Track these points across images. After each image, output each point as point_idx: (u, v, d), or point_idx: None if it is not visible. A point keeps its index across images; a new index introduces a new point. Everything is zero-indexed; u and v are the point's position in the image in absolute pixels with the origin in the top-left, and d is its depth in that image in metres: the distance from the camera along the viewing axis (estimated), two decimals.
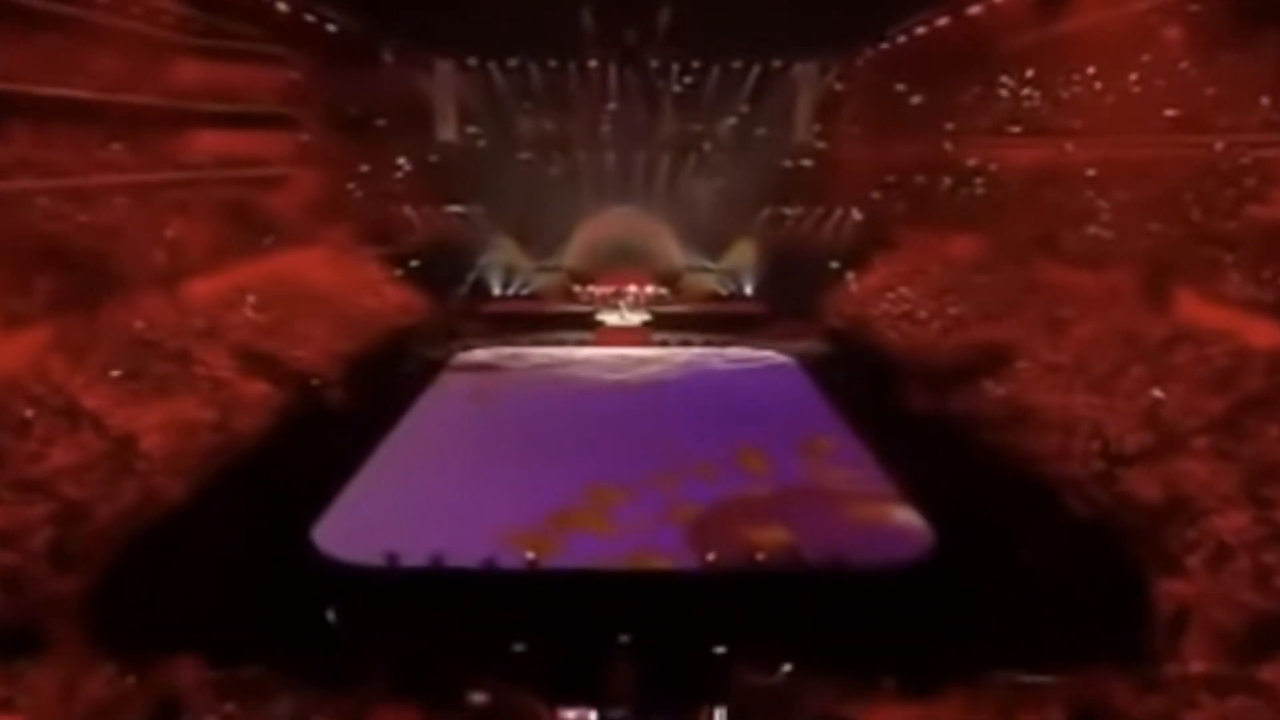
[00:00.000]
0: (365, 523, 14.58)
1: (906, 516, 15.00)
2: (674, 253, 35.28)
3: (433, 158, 33.97)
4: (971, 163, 27.49)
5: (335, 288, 25.22)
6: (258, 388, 18.03)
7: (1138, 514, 12.64)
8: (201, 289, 20.23)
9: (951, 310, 22.23)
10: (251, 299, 21.52)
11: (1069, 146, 22.52)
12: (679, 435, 19.04)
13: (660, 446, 18.29)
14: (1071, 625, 10.25)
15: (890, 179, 31.23)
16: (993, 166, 26.73)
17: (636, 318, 32.48)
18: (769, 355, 27.79)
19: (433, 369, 25.62)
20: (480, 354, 28.00)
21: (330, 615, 11.62)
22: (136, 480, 13.82)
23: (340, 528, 14.48)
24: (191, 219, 21.92)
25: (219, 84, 24.11)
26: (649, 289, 34.36)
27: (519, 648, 10.40)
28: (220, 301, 20.69)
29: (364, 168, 31.48)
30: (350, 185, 30.99)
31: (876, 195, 31.87)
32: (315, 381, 19.83)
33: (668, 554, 13.62)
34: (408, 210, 33.18)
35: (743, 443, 18.47)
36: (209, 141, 24.17)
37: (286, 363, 19.58)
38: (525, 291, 34.74)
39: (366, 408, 20.29)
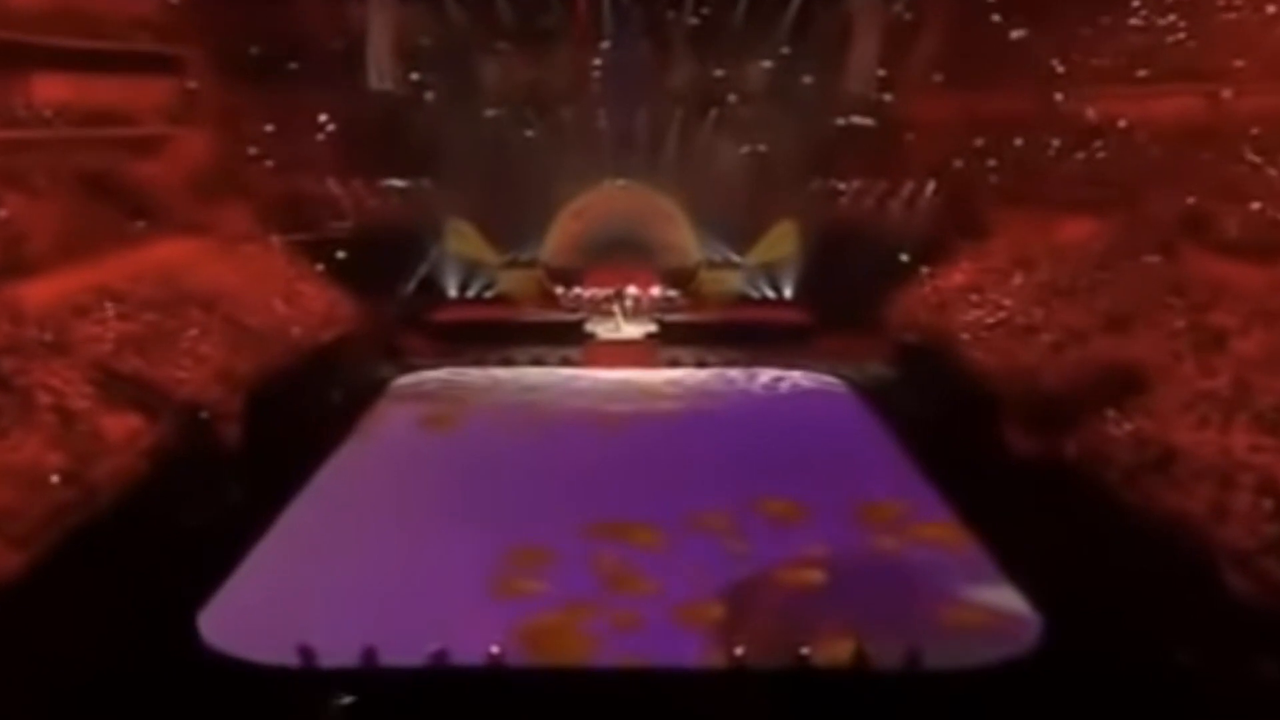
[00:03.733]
0: (270, 606, 14.66)
1: (1005, 599, 15.01)
2: (687, 242, 35.57)
3: (365, 114, 34.33)
4: (1091, 118, 27.75)
5: (232, 288, 25.41)
6: (124, 422, 18.11)
7: None
8: (45, 290, 20.37)
9: (1064, 319, 22.36)
10: (115, 303, 21.66)
11: (1225, 95, 22.71)
12: (694, 490, 19.10)
13: (668, 505, 18.34)
14: None
15: (979, 142, 31.51)
16: (1120, 123, 26.98)
17: (637, 329, 32.68)
18: (815, 380, 27.94)
19: (364, 398, 25.80)
20: (429, 378, 28.19)
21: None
22: None
23: (236, 613, 14.55)
24: (31, 195, 22.09)
25: (70, 10, 24.27)
26: (654, 290, 34.58)
27: None
28: (71, 307, 20.83)
29: (270, 127, 31.83)
30: (252, 151, 31.31)
31: (960, 164, 32.14)
32: (203, 415, 19.94)
33: (680, 649, 13.62)
34: (331, 185, 33.51)
35: (780, 501, 18.56)
36: (55, 89, 24.33)
37: (164, 389, 19.69)
38: (490, 294, 34.98)
39: (274, 451, 20.42)
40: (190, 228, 26.13)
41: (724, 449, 21.80)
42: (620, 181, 35.79)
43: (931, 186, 33.16)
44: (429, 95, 35.43)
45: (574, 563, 16.01)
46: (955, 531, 17.31)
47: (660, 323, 32.65)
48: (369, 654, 12.98)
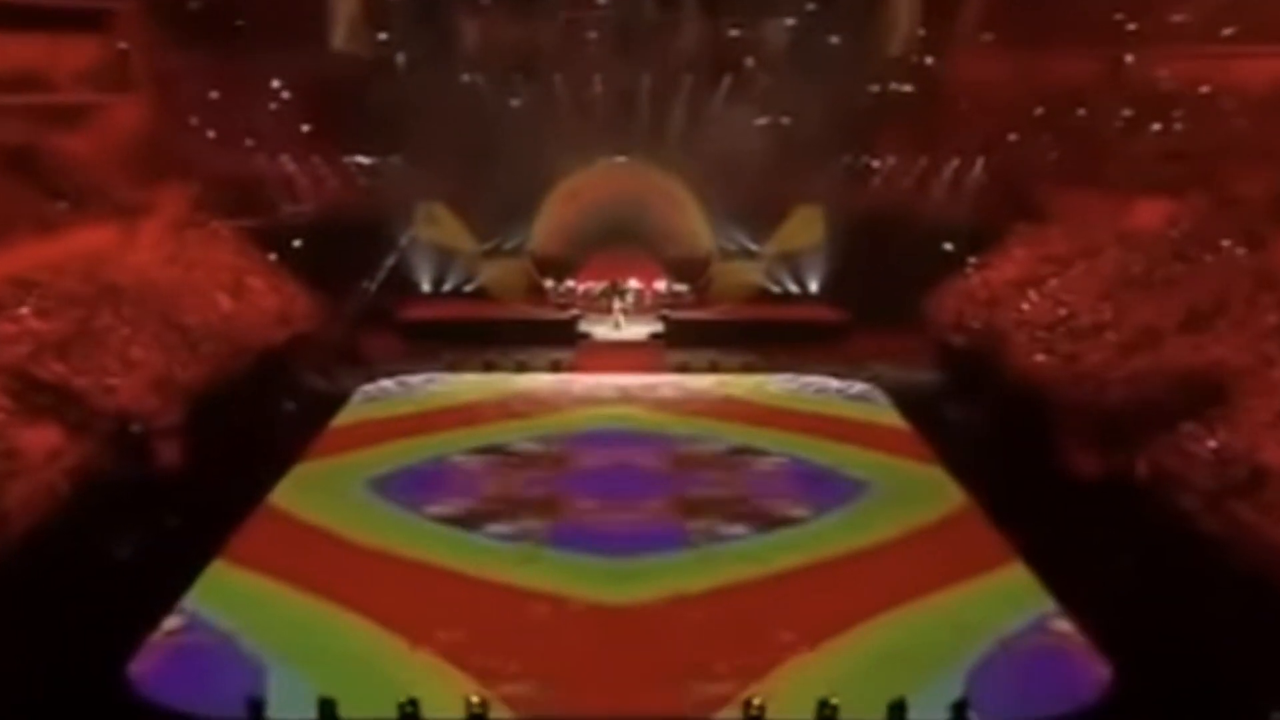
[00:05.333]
0: (214, 652, 14.62)
1: (1066, 643, 14.97)
2: (697, 229, 35.62)
3: (325, 80, 34.32)
4: (1167, 84, 27.70)
5: (169, 282, 25.42)
6: (42, 437, 18.03)
7: None
8: None
9: (1134, 317, 22.32)
10: (32, 299, 21.57)
11: None
12: (701, 511, 19.29)
13: (670, 527, 18.50)
14: None
15: (1037, 111, 31.49)
16: (1203, 89, 26.93)
17: (640, 328, 32.66)
18: (846, 387, 27.95)
19: (323, 410, 25.79)
20: (398, 386, 28.21)
21: None
22: None
23: (173, 660, 14.49)
24: None
25: None
26: (659, 284, 34.60)
27: None
28: None
29: (214, 94, 31.84)
30: (193, 122, 31.31)
31: (1013, 137, 32.12)
32: (135, 429, 19.91)
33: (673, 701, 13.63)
34: (286, 162, 33.51)
35: (797, 523, 18.73)
36: None
37: (89, 399, 19.66)
38: (469, 288, 35.01)
39: (218, 471, 20.39)
40: (121, 211, 26.16)
41: (737, 470, 21.87)
42: (620, 158, 35.83)
43: (980, 164, 33.16)
44: (399, 58, 35.50)
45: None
46: (1008, 564, 17.21)
47: (667, 321, 32.63)
48: (326, 707, 12.90)
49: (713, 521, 19.02)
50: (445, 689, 13.40)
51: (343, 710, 12.75)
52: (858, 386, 27.94)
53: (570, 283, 34.75)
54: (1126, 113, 28.38)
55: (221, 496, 19.49)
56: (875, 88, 35.30)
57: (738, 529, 18.73)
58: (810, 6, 35.64)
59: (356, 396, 27.21)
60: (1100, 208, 26.96)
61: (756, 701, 12.63)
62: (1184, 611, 14.66)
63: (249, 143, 32.61)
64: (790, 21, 36.16)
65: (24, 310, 21.22)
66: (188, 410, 21.29)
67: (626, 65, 35.81)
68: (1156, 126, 27.61)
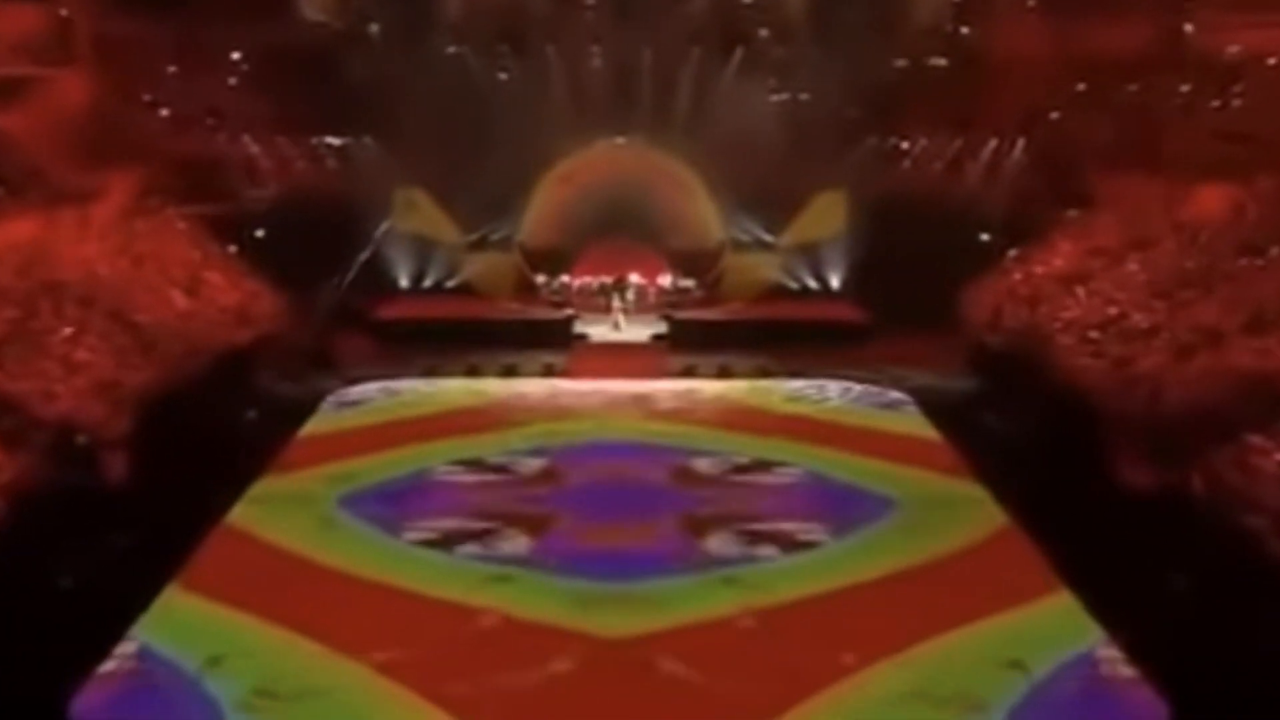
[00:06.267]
0: (166, 690, 14.53)
1: (1119, 679, 14.90)
2: (706, 217, 35.64)
3: (292, 52, 34.33)
4: (1230, 55, 27.68)
5: (117, 277, 25.43)
6: None
7: None
8: None
9: (1193, 316, 22.25)
10: None
11: None
12: (708, 531, 19.28)
13: (674, 550, 18.58)
14: None
15: (1083, 86, 31.47)
16: (1270, 60, 26.86)
17: (642, 329, 32.67)
18: (871, 394, 28.05)
19: (289, 418, 25.83)
20: (373, 392, 28.27)
21: None
22: None
23: (119, 698, 14.40)
24: None
25: None
26: (663, 280, 34.61)
27: None
28: None
29: (169, 67, 31.85)
30: (145, 98, 31.33)
31: (1058, 115, 32.10)
32: (80, 440, 19.89)
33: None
34: (248, 143, 33.52)
35: (815, 546, 18.77)
36: None
37: (28, 406, 19.60)
38: (451, 284, 35.03)
39: (171, 487, 20.38)
40: (62, 197, 26.16)
41: (753, 487, 21.92)
42: (619, 139, 35.82)
43: (1021, 145, 33.15)
44: (374, 27, 35.49)
45: None
46: (1054, 594, 17.18)
47: (671, 321, 32.63)
48: None
49: (721, 543, 18.96)
50: None
51: None
52: (884, 393, 27.99)
53: (564, 278, 34.79)
54: (1185, 87, 28.36)
55: (176, 515, 19.41)
56: (904, 60, 35.26)
57: (749, 552, 18.65)
58: None
59: (326, 404, 27.26)
60: (1155, 194, 26.96)
61: None
62: (1249, 645, 14.60)
63: (207, 121, 32.66)
64: None
65: None
66: (138, 419, 21.30)
67: (627, 35, 35.84)
68: (1217, 103, 27.59)
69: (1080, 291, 25.66)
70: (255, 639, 15.74)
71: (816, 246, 35.18)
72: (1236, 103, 27.51)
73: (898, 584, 17.48)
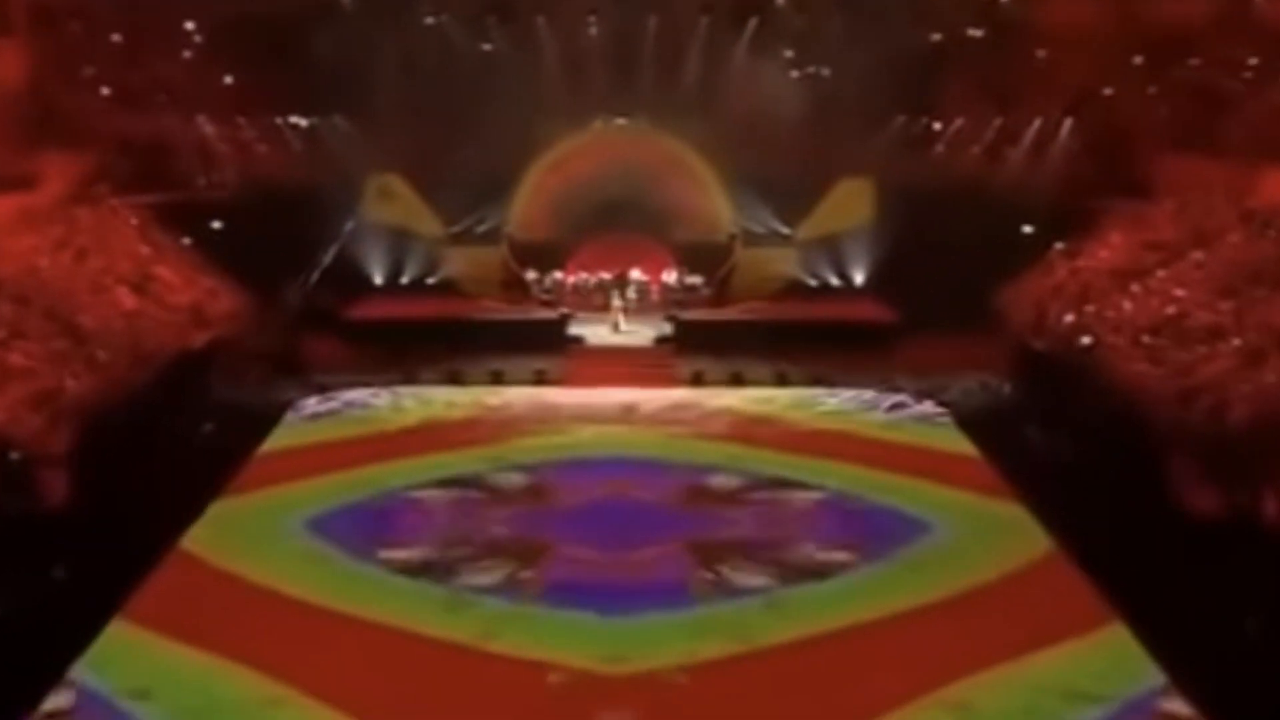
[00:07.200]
0: None
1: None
2: (716, 207, 35.62)
3: (253, 22, 34.35)
4: None
5: (56, 274, 25.37)
6: None
7: None
8: None
9: (1263, 317, 22.13)
10: None
11: None
12: (720, 558, 19.21)
13: (681, 579, 18.52)
14: None
15: (1138, 60, 31.45)
16: None
17: (645, 331, 32.66)
18: (900, 404, 28.05)
19: (250, 432, 25.82)
20: (343, 403, 28.33)
21: None
22: None
23: None
24: None
25: None
26: (668, 276, 34.57)
27: None
28: None
29: (115, 37, 31.85)
30: (88, 72, 31.33)
31: (1111, 92, 32.09)
32: (15, 456, 19.83)
33: None
34: (204, 124, 33.53)
35: (840, 573, 18.75)
36: None
37: None
38: (431, 281, 35.02)
39: (117, 508, 20.36)
40: None
41: (774, 515, 21.88)
42: (620, 120, 35.82)
43: (1068, 126, 33.14)
44: None
45: None
46: (1108, 629, 17.15)
47: (678, 322, 32.62)
48: None
49: (735, 571, 18.88)
50: None
51: None
52: (915, 404, 27.96)
53: (557, 274, 34.75)
54: (1252, 60, 28.35)
55: (123, 540, 19.40)
56: (936, 35, 35.29)
57: (766, 581, 18.58)
58: None
59: (292, 415, 27.28)
60: (1220, 180, 26.92)
61: None
62: None
63: (157, 100, 32.63)
64: None
65: None
66: (80, 433, 21.15)
67: (628, 3, 35.85)
68: None
69: (1135, 289, 25.61)
70: (211, 680, 15.62)
71: (839, 239, 35.20)
72: None
73: (931, 616, 17.40)
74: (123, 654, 16.34)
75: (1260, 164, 26.05)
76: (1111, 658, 16.10)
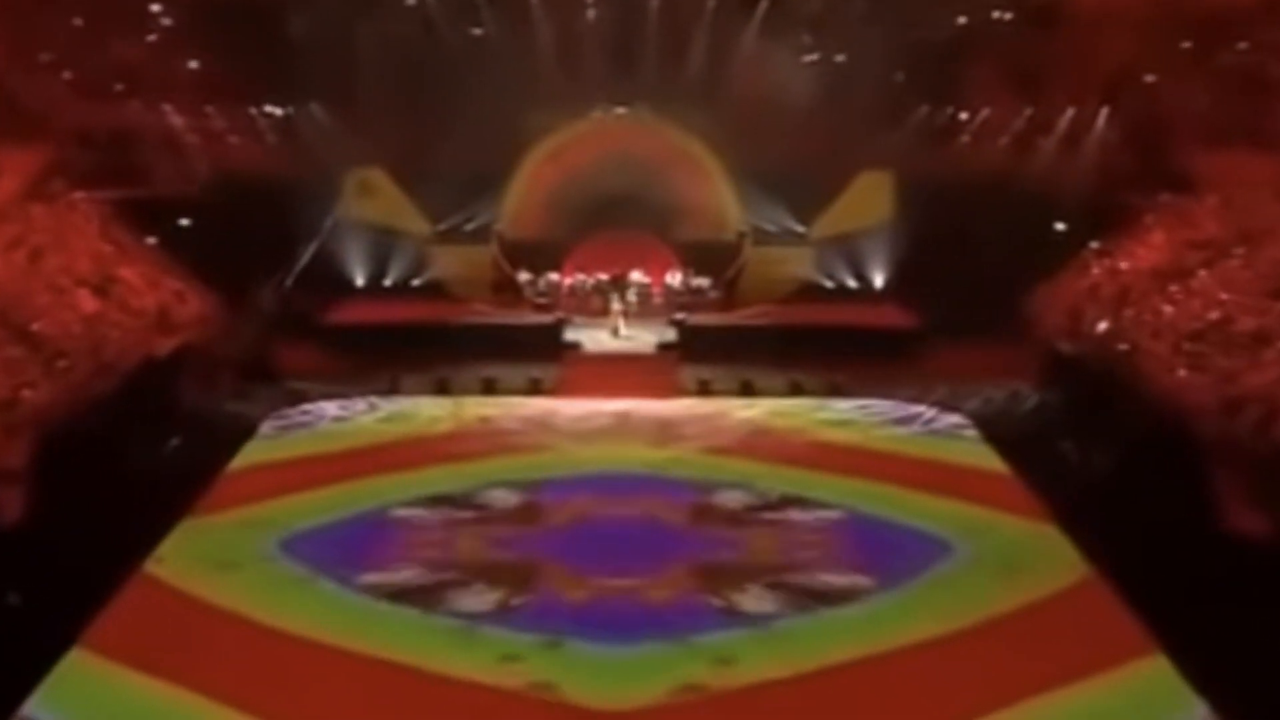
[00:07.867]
0: None
1: None
2: (723, 203, 35.66)
3: (225, 4, 34.41)
4: None
5: (12, 275, 25.49)
6: None
7: None
8: None
9: None
10: None
11: None
12: (728, 582, 19.22)
13: (685, 604, 18.55)
14: None
15: (1181, 45, 31.49)
16: None
17: (647, 336, 32.69)
18: (923, 416, 28.03)
19: (220, 446, 25.86)
20: (321, 414, 28.40)
21: None
22: None
23: None
24: None
25: None
26: (672, 278, 34.59)
27: None
28: None
29: (78, 20, 31.91)
30: (44, 58, 31.38)
31: (1150, 79, 32.13)
32: None
33: None
34: (170, 114, 33.57)
35: (858, 599, 18.77)
36: None
37: None
38: (416, 282, 35.06)
39: (76, 529, 20.28)
40: None
41: (790, 536, 21.85)
42: (619, 109, 35.88)
43: (1105, 116, 33.17)
44: None
45: None
46: (1150, 662, 17.16)
47: (683, 327, 32.65)
48: None
49: (743, 596, 18.90)
50: None
51: None
52: (938, 415, 27.98)
53: (553, 275, 34.78)
54: None
55: (82, 562, 19.33)
56: (962, 18, 35.35)
57: (776, 607, 18.61)
58: None
59: (265, 428, 27.34)
60: (1266, 174, 26.94)
61: None
62: None
63: (120, 88, 32.67)
64: None
65: None
66: (37, 446, 21.25)
67: None
68: None
69: (1176, 291, 25.63)
70: (177, 716, 15.61)
71: (856, 238, 35.25)
72: None
73: (954, 646, 17.37)
74: (81, 687, 16.28)
75: None
76: (1151, 691, 16.09)
